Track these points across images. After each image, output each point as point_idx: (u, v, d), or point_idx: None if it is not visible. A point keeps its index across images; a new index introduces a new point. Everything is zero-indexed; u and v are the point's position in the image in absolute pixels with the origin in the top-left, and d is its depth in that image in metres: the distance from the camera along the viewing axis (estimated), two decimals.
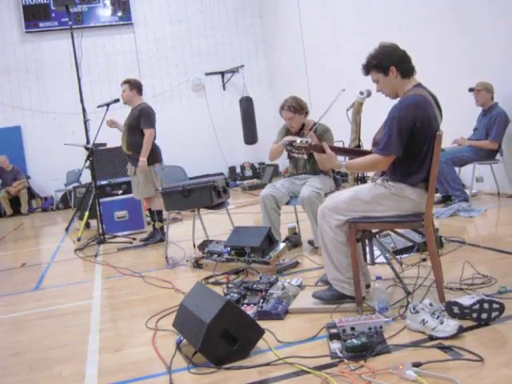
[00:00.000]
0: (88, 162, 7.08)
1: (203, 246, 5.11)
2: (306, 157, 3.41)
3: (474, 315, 2.78)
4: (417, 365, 2.33)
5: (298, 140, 3.31)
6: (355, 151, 3.59)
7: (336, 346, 2.64)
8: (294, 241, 5.30)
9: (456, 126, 6.49)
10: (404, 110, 3.08)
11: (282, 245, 4.57)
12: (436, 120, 3.13)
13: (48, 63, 13.42)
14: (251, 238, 4.56)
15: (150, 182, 6.33)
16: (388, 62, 3.18)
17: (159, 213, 6.47)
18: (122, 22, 13.94)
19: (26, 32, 13.37)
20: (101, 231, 6.87)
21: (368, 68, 3.27)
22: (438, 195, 6.60)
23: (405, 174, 3.16)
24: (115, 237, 7.06)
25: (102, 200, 7.20)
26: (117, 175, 8.75)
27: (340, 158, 3.35)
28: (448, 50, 7.37)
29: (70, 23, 7.47)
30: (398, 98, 3.25)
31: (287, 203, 5.11)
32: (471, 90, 6.57)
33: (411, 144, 3.09)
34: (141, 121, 6.22)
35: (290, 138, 3.40)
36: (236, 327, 2.74)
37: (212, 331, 2.68)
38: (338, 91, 4.09)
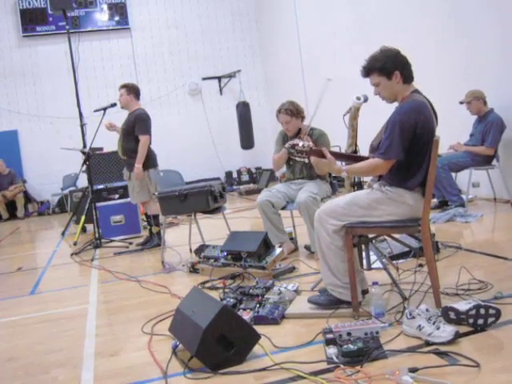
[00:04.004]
0: (84, 166, 7.07)
1: (200, 250, 5.10)
2: (307, 161, 3.42)
3: (471, 321, 2.78)
4: (413, 370, 2.32)
5: (300, 143, 3.31)
6: (353, 157, 3.60)
7: (332, 351, 2.63)
8: None
9: (452, 131, 6.53)
10: (405, 114, 3.09)
11: (278, 250, 4.56)
12: (434, 125, 3.14)
13: (45, 67, 13.42)
14: (248, 242, 4.56)
15: (145, 187, 6.32)
16: (392, 67, 3.18)
17: (156, 217, 6.47)
18: (119, 27, 13.96)
19: (23, 36, 13.36)
20: (97, 235, 6.86)
21: (370, 70, 3.26)
22: (434, 200, 6.61)
23: (402, 179, 3.16)
24: (111, 241, 7.05)
25: (98, 204, 7.19)
26: (113, 180, 8.73)
27: (338, 163, 3.36)
28: (445, 56, 7.39)
29: (67, 27, 7.47)
30: (395, 103, 3.27)
31: (283, 208, 5.11)
32: (461, 103, 6.60)
33: (410, 149, 3.09)
34: (136, 127, 6.21)
35: (292, 141, 3.40)
36: (232, 332, 2.74)
37: (208, 336, 2.67)
38: (324, 82, 4.09)
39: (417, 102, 3.12)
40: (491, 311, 2.77)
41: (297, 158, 3.38)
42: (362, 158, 3.37)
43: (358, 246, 3.39)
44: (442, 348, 2.58)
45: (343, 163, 3.46)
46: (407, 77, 3.22)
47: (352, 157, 3.62)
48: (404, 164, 3.13)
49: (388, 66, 3.19)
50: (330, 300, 3.30)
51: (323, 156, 3.30)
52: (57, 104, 13.16)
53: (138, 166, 6.17)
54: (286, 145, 3.45)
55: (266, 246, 4.54)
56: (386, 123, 3.21)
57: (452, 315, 2.85)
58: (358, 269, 3.37)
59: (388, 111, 3.24)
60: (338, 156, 3.52)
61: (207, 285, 4.36)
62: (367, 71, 3.29)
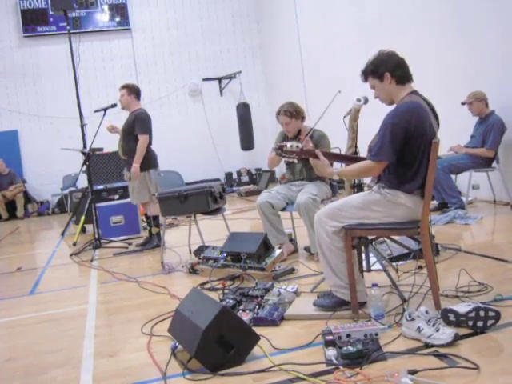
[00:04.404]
0: (84, 166, 7.07)
1: (199, 251, 5.10)
2: (296, 161, 3.43)
3: (470, 323, 2.78)
4: (412, 372, 2.32)
5: (288, 144, 3.33)
6: (349, 157, 3.60)
7: (331, 352, 2.63)
8: None
9: (453, 133, 6.52)
10: (397, 116, 3.09)
11: (277, 251, 4.56)
12: (431, 127, 3.13)
13: (45, 67, 13.41)
14: (247, 244, 4.56)
15: (145, 187, 6.32)
16: (383, 68, 3.20)
17: (156, 218, 6.47)
18: (119, 27, 13.95)
19: (24, 36, 13.35)
20: (97, 236, 6.86)
21: (365, 74, 3.31)
22: (434, 202, 6.61)
23: (401, 181, 3.16)
24: (111, 242, 7.04)
25: (98, 205, 7.19)
26: (113, 180, 8.73)
27: (337, 165, 3.36)
28: (446, 57, 7.40)
29: (67, 28, 7.47)
30: (394, 105, 3.27)
31: (283, 209, 5.11)
32: (463, 103, 6.61)
33: (406, 151, 3.10)
34: (135, 127, 6.22)
35: (281, 142, 3.42)
36: (231, 333, 2.74)
37: (207, 337, 2.67)
38: (334, 94, 4.11)
39: (410, 104, 3.12)
40: (491, 313, 2.76)
41: (285, 159, 3.40)
42: (358, 159, 3.37)
43: (357, 247, 3.39)
44: (442, 350, 2.58)
45: (343, 165, 3.47)
46: (400, 77, 3.22)
47: (347, 157, 3.63)
48: (402, 166, 3.13)
49: (378, 69, 3.22)
50: (334, 302, 3.30)
51: (315, 156, 3.32)
52: (57, 104, 13.15)
53: (136, 165, 6.17)
54: (274, 146, 3.47)
55: (266, 247, 4.54)
56: (381, 125, 3.22)
57: (451, 317, 2.85)
58: (359, 278, 3.34)
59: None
60: (333, 157, 3.52)
61: (207, 286, 4.35)
62: (364, 75, 3.33)
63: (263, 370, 2.62)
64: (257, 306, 3.46)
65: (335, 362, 2.57)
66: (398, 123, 3.06)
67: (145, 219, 7.07)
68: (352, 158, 3.56)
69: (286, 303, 3.52)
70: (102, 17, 13.83)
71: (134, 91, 6.41)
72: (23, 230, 10.64)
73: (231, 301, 3.58)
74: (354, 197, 3.35)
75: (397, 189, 3.17)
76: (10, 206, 12.54)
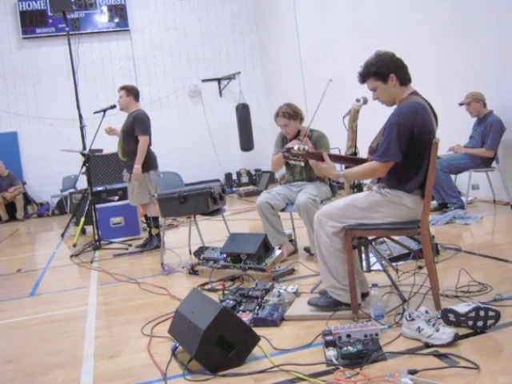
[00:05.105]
0: (84, 168, 7.07)
1: (199, 252, 5.10)
2: (303, 164, 3.41)
3: (470, 323, 2.78)
4: (412, 372, 2.32)
5: (296, 147, 3.31)
6: (351, 159, 3.60)
7: (332, 353, 2.63)
8: None
9: (452, 133, 6.52)
10: (403, 116, 3.09)
11: (277, 252, 4.56)
12: (432, 127, 3.14)
13: (45, 69, 13.43)
14: (247, 244, 4.56)
15: (145, 188, 6.32)
16: (388, 70, 3.19)
17: (156, 219, 6.47)
18: (118, 29, 13.97)
19: (23, 38, 13.38)
20: (96, 237, 6.85)
21: (366, 76, 3.27)
22: (434, 202, 6.61)
23: (401, 181, 3.16)
24: (111, 243, 7.04)
25: (97, 206, 7.19)
26: (113, 181, 8.74)
27: (337, 167, 3.35)
28: (445, 57, 7.40)
29: (66, 29, 7.48)
30: (395, 106, 3.27)
31: (283, 210, 5.11)
32: (461, 104, 6.61)
33: (408, 151, 3.09)
34: (135, 127, 6.22)
35: (287, 145, 3.41)
36: (231, 334, 2.74)
37: (207, 338, 2.67)
38: (326, 83, 4.11)
39: (414, 104, 3.12)
40: (491, 313, 2.76)
41: (292, 162, 3.38)
42: (361, 161, 3.37)
43: (357, 247, 3.39)
44: (442, 350, 2.58)
45: (343, 167, 3.46)
46: (403, 79, 3.23)
47: (350, 159, 3.62)
48: (403, 166, 3.13)
49: (383, 70, 3.20)
50: (329, 302, 3.30)
51: (321, 159, 3.31)
52: (56, 106, 13.17)
53: (138, 166, 6.16)
54: (282, 149, 3.46)
55: (266, 247, 4.54)
56: (384, 125, 3.21)
57: (451, 317, 2.85)
58: (359, 271, 3.36)
59: (388, 113, 3.24)
60: (336, 159, 3.52)
61: (206, 286, 4.35)
62: (363, 77, 3.30)
63: (263, 371, 2.62)
64: (257, 307, 3.46)
65: (335, 362, 2.57)
66: (404, 123, 3.06)
67: (144, 220, 7.07)
68: (352, 159, 3.56)
69: (286, 304, 3.52)
70: (101, 18, 13.85)
71: (132, 92, 6.41)
72: (23, 232, 10.65)
73: (231, 301, 3.58)
74: (354, 197, 3.35)
75: (397, 189, 3.17)
76: (10, 208, 12.54)
